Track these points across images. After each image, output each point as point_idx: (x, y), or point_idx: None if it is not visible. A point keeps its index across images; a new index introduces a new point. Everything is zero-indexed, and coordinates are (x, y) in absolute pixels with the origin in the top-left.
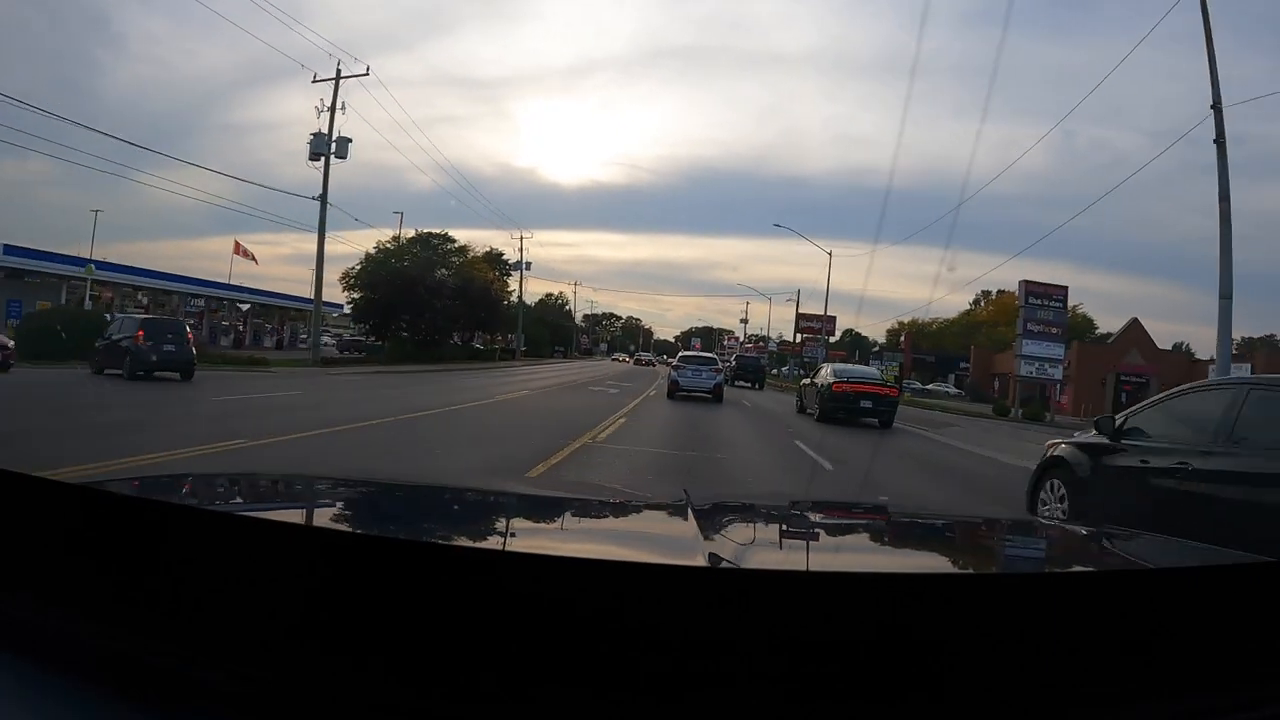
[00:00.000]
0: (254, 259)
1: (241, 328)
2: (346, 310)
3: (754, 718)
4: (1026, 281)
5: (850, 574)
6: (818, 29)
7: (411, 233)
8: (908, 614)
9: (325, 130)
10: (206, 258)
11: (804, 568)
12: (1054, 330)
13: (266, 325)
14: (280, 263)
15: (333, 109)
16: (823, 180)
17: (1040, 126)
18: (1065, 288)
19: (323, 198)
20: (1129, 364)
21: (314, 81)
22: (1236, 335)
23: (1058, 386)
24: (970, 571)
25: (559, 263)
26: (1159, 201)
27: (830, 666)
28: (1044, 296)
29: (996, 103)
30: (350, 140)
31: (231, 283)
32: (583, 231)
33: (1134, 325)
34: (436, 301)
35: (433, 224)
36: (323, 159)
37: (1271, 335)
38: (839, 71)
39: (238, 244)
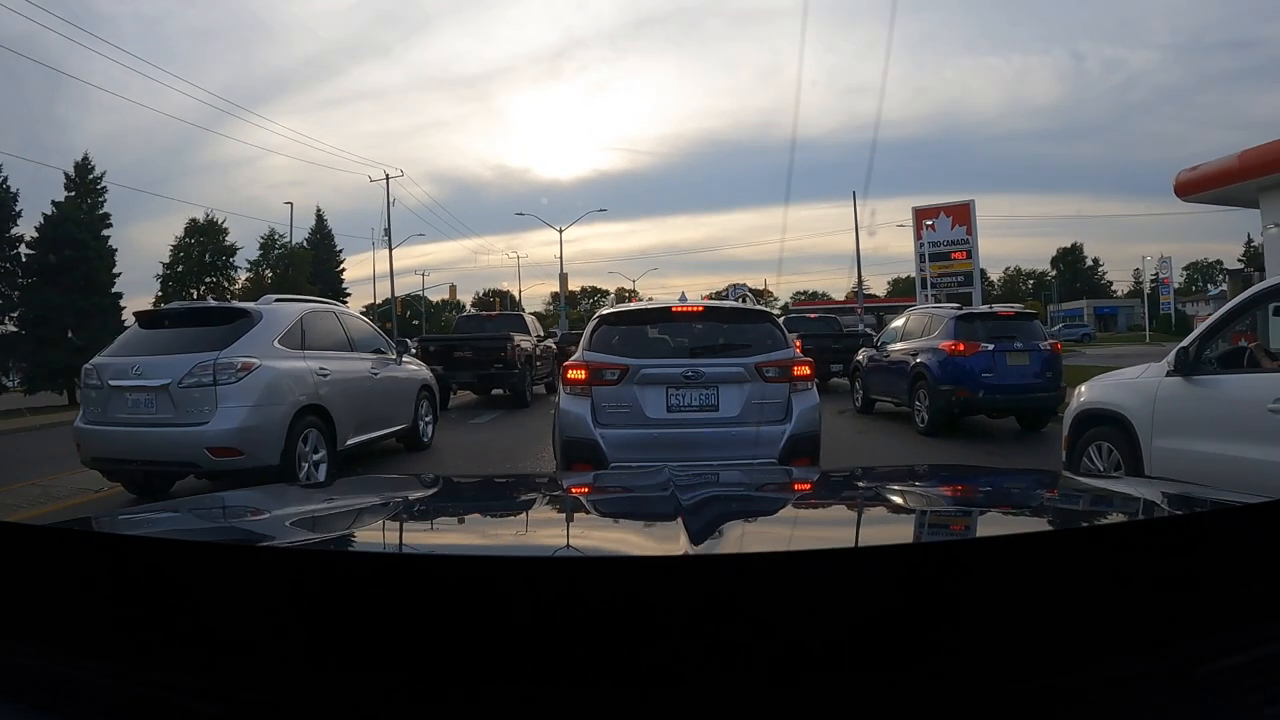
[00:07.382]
0: None
1: None
2: None
3: (745, 704)
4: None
5: (841, 550)
6: None
7: None
8: (900, 588)
9: None
10: None
11: (790, 547)
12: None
13: None
14: None
15: None
16: (832, 138)
17: (1051, 54)
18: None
19: None
20: None
21: None
22: None
23: None
24: (964, 538)
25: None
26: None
27: (821, 646)
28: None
29: (1007, 33)
30: None
31: None
32: (583, 226)
33: None
34: None
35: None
36: None
37: None
38: (837, 18)
39: None
